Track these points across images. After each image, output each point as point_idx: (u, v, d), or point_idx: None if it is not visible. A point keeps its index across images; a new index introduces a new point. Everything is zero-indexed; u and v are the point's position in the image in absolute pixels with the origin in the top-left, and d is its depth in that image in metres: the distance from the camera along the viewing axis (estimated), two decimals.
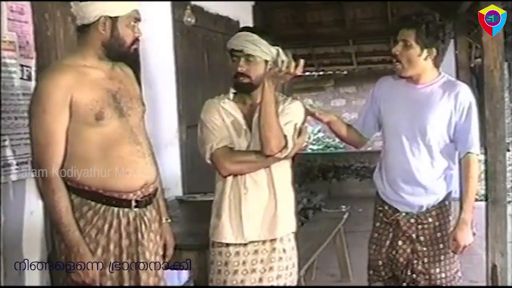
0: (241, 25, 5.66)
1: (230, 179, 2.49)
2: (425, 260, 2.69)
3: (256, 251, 2.51)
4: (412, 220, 2.69)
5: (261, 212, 2.50)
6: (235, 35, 2.51)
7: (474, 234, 6.40)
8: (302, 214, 6.87)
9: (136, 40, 2.26)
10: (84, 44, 2.22)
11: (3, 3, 2.69)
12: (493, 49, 3.93)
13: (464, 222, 2.62)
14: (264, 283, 2.52)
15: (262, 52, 2.45)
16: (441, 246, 2.70)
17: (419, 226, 2.69)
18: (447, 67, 7.57)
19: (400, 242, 2.72)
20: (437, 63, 2.70)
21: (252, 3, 6.45)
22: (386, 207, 2.77)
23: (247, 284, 2.50)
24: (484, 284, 4.23)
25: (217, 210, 2.54)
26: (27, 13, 2.84)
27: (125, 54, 2.27)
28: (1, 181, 2.63)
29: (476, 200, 7.98)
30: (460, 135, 2.65)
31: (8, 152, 2.68)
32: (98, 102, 2.14)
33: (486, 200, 4.09)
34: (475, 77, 7.29)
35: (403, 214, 2.70)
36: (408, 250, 2.70)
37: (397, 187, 2.71)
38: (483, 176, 4.16)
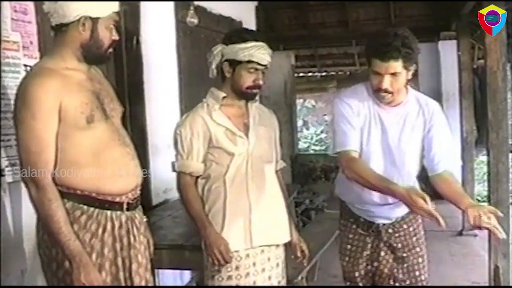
0: (244, 26, 5.68)
1: (232, 185, 2.48)
2: (405, 265, 2.66)
3: (262, 251, 2.54)
4: (390, 230, 2.66)
5: (268, 216, 2.52)
6: (254, 46, 2.43)
7: (476, 235, 6.40)
8: (305, 215, 6.88)
9: (113, 43, 2.20)
10: (62, 45, 2.14)
11: (7, 3, 2.70)
12: (496, 51, 3.93)
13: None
14: (273, 280, 2.56)
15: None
16: (417, 249, 2.68)
17: (396, 234, 2.66)
18: (450, 68, 7.58)
19: (382, 253, 2.67)
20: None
21: (255, 3, 6.44)
22: (361, 219, 2.70)
23: (258, 284, 2.51)
24: (486, 285, 4.23)
25: (216, 219, 2.50)
26: (31, 13, 2.85)
27: (101, 57, 2.20)
28: (3, 181, 2.64)
29: (479, 201, 7.95)
30: (431, 151, 2.52)
31: (14, 152, 2.69)
32: (88, 104, 2.09)
33: (489, 201, 4.09)
34: (477, 78, 7.29)
35: (381, 224, 2.66)
36: (391, 260, 2.67)
37: (375, 205, 2.63)
38: (485, 177, 4.16)
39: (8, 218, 2.68)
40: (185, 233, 3.18)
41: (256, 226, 2.48)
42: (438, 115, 2.57)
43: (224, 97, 2.51)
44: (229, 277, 2.49)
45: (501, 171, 3.99)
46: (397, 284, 2.66)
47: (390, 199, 2.55)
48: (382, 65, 2.39)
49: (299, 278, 3.52)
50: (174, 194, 4.29)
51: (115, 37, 2.19)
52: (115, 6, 2.19)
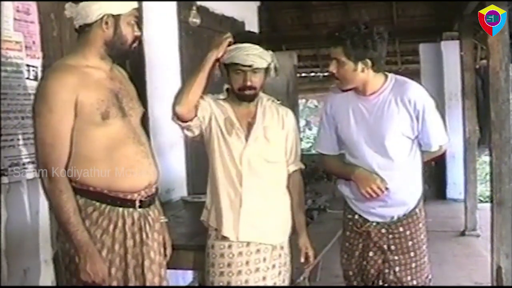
0: (247, 26, 5.68)
1: (227, 174, 2.54)
2: (397, 269, 2.62)
3: (258, 250, 2.54)
4: (383, 230, 2.63)
5: (260, 215, 2.53)
6: (236, 48, 2.48)
7: (478, 236, 6.39)
8: (307, 215, 6.88)
9: (136, 39, 2.26)
10: (85, 44, 2.20)
11: (9, 3, 2.70)
12: (498, 51, 3.92)
13: None
14: (268, 281, 2.55)
15: (267, 62, 2.52)
16: (412, 254, 2.62)
17: (390, 236, 2.62)
18: (453, 68, 7.58)
19: (371, 253, 2.65)
20: (378, 70, 2.57)
21: (258, 3, 6.43)
22: (356, 216, 2.69)
23: (251, 284, 2.51)
24: (489, 285, 4.22)
25: (214, 202, 2.59)
26: (33, 13, 2.85)
27: (126, 53, 2.28)
28: (3, 181, 2.65)
29: (481, 201, 7.93)
30: (424, 137, 2.58)
31: (15, 152, 2.69)
32: (104, 101, 2.15)
33: (491, 202, 4.09)
34: (480, 78, 7.28)
35: (374, 224, 2.64)
36: (379, 261, 2.64)
37: (366, 200, 2.61)
38: (488, 177, 4.15)
39: (10, 218, 2.69)
40: (188, 233, 3.17)
41: (245, 221, 2.50)
42: (419, 104, 2.54)
43: (227, 89, 2.59)
44: (221, 273, 2.52)
45: (503, 171, 3.98)
46: (386, 285, 2.63)
47: (384, 197, 2.57)
48: (331, 50, 2.59)
49: (302, 278, 3.52)
50: (177, 194, 4.30)
51: (137, 32, 2.27)
52: (134, 3, 2.25)
